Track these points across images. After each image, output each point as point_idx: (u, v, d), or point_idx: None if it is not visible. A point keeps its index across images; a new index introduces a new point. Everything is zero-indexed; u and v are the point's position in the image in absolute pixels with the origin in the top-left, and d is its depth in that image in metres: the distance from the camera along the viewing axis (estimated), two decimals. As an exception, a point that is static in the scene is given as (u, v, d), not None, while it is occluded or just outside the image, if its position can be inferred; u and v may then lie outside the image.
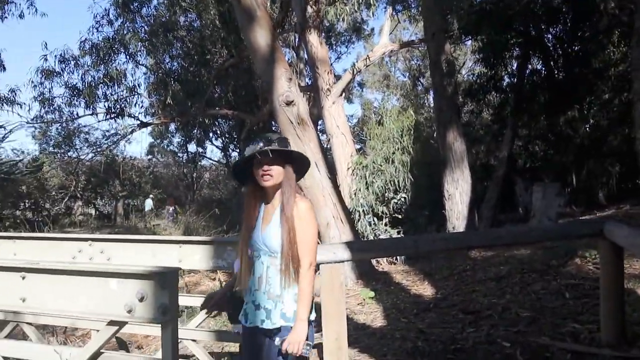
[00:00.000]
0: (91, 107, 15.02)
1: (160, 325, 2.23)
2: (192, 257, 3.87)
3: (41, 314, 3.58)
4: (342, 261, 3.40)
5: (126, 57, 15.61)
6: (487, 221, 11.55)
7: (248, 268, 2.51)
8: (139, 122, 16.16)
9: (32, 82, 14.92)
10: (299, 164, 2.57)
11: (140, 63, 16.53)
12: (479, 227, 10.42)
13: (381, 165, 9.99)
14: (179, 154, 30.13)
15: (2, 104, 15.13)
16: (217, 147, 27.05)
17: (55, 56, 14.83)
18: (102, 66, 14.85)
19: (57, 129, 22.05)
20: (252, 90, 17.50)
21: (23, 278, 2.47)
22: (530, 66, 14.02)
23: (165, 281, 2.15)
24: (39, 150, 26.07)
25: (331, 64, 16.08)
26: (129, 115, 15.98)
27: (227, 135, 24.83)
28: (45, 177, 24.91)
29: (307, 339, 2.35)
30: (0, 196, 19.91)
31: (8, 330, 4.52)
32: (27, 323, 4.31)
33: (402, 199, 9.81)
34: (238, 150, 24.91)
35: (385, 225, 9.60)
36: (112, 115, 15.57)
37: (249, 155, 2.44)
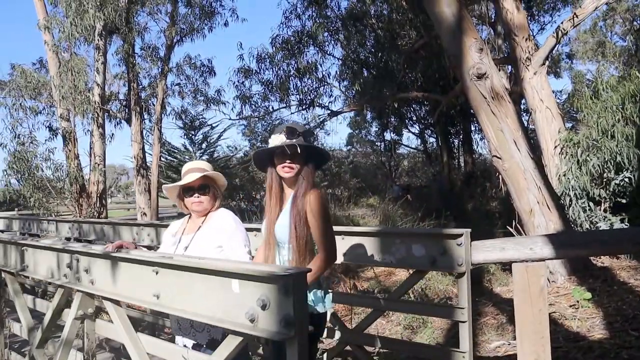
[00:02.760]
0: (285, 100, 15.72)
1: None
2: (355, 251, 3.39)
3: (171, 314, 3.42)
4: (542, 259, 2.61)
5: (315, 49, 15.94)
6: None
7: (273, 258, 2.51)
8: (329, 111, 16.43)
9: (232, 81, 16.18)
10: (320, 158, 2.63)
11: (328, 53, 16.76)
12: None
13: (597, 141, 8.53)
14: (376, 143, 30.66)
15: (211, 104, 16.55)
16: (413, 133, 27.20)
17: (252, 55, 15.77)
18: (292, 60, 15.33)
19: (262, 124, 23.82)
20: (442, 70, 16.72)
21: (156, 273, 2.23)
22: None
23: (290, 286, 1.64)
24: (248, 146, 28.53)
25: (533, 36, 14.48)
26: (320, 106, 16.36)
27: (422, 121, 24.47)
28: (254, 170, 27.11)
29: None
30: (219, 189, 22.18)
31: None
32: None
33: (626, 180, 8.25)
34: (435, 136, 24.32)
35: (605, 211, 8.18)
36: (304, 107, 16.06)
37: (275, 146, 2.46)
